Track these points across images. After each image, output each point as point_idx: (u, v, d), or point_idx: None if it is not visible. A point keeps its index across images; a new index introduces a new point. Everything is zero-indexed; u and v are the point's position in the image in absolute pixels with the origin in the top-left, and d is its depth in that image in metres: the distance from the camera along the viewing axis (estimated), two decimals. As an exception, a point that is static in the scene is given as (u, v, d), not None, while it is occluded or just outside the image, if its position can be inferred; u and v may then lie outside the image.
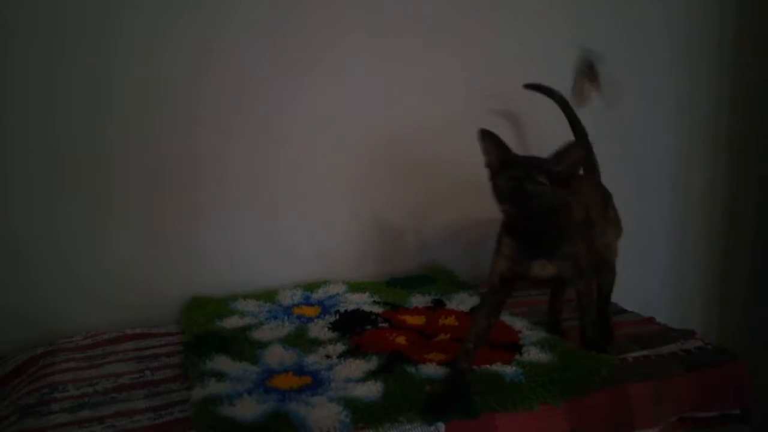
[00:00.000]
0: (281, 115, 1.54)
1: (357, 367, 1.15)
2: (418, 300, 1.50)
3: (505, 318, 1.31)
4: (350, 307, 1.43)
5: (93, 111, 1.40)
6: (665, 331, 1.35)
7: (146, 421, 1.05)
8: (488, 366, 1.13)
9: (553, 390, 1.08)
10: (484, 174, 1.11)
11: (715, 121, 2.00)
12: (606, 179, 1.37)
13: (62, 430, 1.03)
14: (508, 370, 1.12)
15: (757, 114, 2.01)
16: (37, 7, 1.34)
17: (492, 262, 1.14)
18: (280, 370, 1.15)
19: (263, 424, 0.97)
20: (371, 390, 1.06)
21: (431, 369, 1.13)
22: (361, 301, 1.48)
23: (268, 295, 1.50)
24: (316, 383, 1.10)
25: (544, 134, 1.41)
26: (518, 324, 1.32)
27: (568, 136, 1.39)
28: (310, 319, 1.39)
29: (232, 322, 1.36)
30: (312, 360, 1.20)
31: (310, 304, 1.47)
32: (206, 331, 1.31)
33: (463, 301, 1.47)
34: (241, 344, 1.25)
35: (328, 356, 1.21)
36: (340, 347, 1.24)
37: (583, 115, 1.44)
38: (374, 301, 1.48)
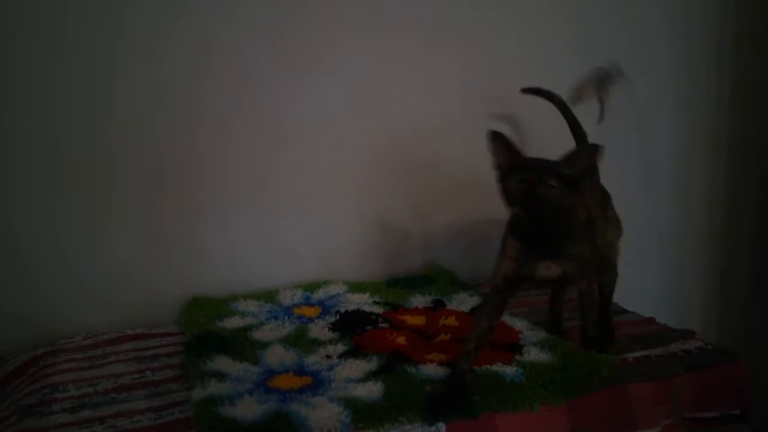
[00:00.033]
0: (281, 115, 1.54)
1: (357, 367, 1.15)
2: (419, 300, 1.50)
3: (506, 318, 1.31)
4: (350, 308, 1.43)
5: (93, 111, 1.40)
6: (665, 331, 1.35)
7: (147, 421, 1.05)
8: (489, 366, 1.13)
9: (553, 390, 1.08)
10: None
11: (715, 121, 1.99)
12: (606, 179, 1.36)
13: (63, 431, 1.03)
14: (509, 370, 1.12)
15: (757, 114, 2.01)
16: (37, 7, 1.34)
17: (496, 264, 1.14)
18: (280, 371, 1.15)
19: (264, 425, 0.97)
20: (372, 390, 1.06)
21: (431, 369, 1.13)
22: (362, 301, 1.48)
23: (268, 296, 1.50)
24: (317, 383, 1.10)
25: (544, 134, 1.41)
26: (518, 324, 1.32)
27: (568, 136, 1.39)
28: (311, 320, 1.39)
29: (232, 323, 1.36)
30: (312, 360, 1.20)
31: (311, 305, 1.47)
32: (206, 331, 1.31)
33: (463, 302, 1.47)
34: (241, 344, 1.25)
35: (328, 356, 1.21)
36: (340, 347, 1.24)
37: (582, 116, 1.43)
38: (374, 302, 1.48)
